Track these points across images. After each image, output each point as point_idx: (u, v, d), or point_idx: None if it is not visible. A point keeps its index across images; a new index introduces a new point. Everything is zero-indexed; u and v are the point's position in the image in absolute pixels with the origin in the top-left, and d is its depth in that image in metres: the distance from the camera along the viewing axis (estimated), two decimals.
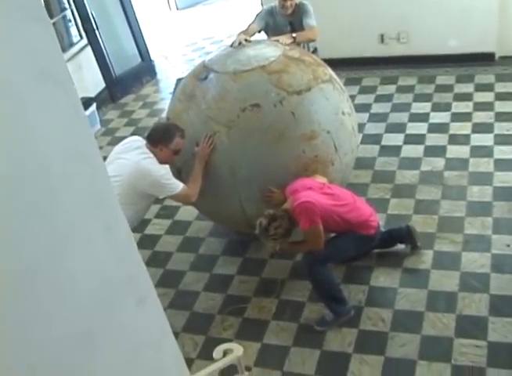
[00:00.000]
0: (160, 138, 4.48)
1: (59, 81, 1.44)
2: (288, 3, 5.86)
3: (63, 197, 1.43)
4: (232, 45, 5.10)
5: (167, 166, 4.69)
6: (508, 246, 4.91)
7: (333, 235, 4.59)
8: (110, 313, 1.63)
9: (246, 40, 5.13)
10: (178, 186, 4.47)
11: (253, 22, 6.04)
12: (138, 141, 4.63)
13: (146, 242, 5.71)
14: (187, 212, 5.91)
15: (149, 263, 5.39)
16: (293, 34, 5.55)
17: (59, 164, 1.41)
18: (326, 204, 4.32)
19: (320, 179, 4.61)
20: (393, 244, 5.02)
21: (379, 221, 4.73)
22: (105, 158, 7.15)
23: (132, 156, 4.46)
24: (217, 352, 3.08)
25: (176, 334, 4.62)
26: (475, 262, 4.82)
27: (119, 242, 1.67)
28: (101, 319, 1.58)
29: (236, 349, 3.05)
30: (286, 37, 5.37)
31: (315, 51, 6.30)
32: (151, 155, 4.43)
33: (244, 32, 5.73)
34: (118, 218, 1.68)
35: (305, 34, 5.78)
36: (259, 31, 6.10)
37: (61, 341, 1.45)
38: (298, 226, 4.33)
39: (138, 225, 5.83)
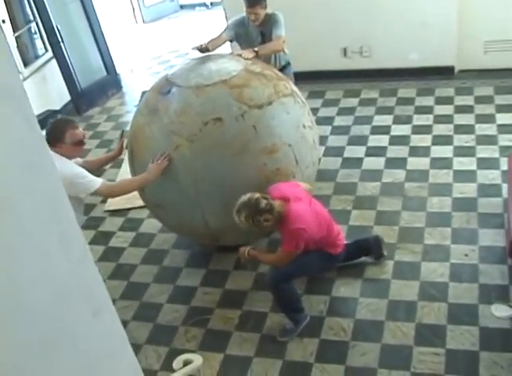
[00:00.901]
0: (53, 137, 4.37)
1: (14, 96, 1.49)
2: (252, 16, 5.95)
3: (18, 206, 1.47)
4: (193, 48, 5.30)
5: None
6: (466, 255, 5.02)
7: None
8: (66, 323, 1.66)
9: (207, 49, 5.29)
10: (97, 181, 4.39)
11: (223, 31, 6.17)
12: None
13: (111, 254, 5.72)
14: (151, 225, 5.94)
15: (113, 276, 5.43)
16: (255, 48, 5.60)
17: (14, 175, 1.46)
18: (314, 230, 4.34)
19: (304, 185, 4.69)
20: (359, 255, 5.09)
21: (344, 240, 4.79)
22: None
23: None
24: (177, 362, 3.11)
25: (139, 346, 4.65)
26: (434, 271, 4.93)
27: (73, 251, 1.71)
28: (56, 328, 1.61)
29: (196, 359, 3.09)
30: (248, 51, 5.44)
31: (286, 65, 6.35)
32: (58, 156, 4.28)
33: (214, 40, 5.93)
34: (73, 228, 1.72)
35: (268, 46, 5.87)
36: (230, 41, 6.27)
37: (15, 350, 1.48)
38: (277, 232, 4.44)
39: (103, 238, 5.88)
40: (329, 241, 4.55)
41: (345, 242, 4.77)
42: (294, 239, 4.26)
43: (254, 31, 6.09)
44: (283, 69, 6.18)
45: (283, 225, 4.28)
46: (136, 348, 4.58)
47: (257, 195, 4.15)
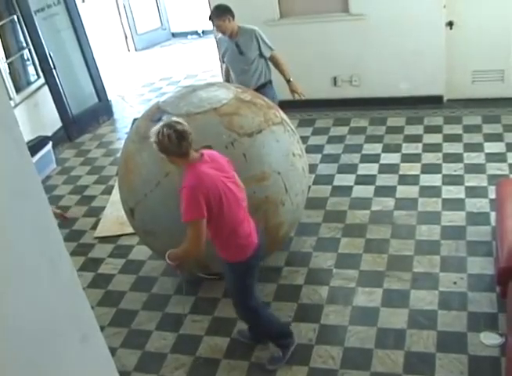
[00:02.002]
0: None
1: (6, 126, 1.51)
2: (217, 28, 6.38)
3: (8, 231, 1.49)
4: None
5: None
6: (455, 283, 5.04)
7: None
8: (53, 348, 1.66)
9: None
10: None
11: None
12: None
13: (100, 281, 5.70)
14: (141, 252, 5.93)
15: (102, 302, 5.41)
16: (290, 79, 6.43)
17: (4, 201, 1.48)
18: (216, 197, 3.87)
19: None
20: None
21: (256, 238, 4.22)
22: (59, 197, 7.19)
23: None
24: None
25: (128, 374, 4.63)
26: (423, 299, 4.93)
27: (62, 277, 1.72)
28: (43, 353, 1.61)
29: None
30: (295, 86, 6.47)
31: (267, 83, 6.55)
32: None
33: (226, 72, 6.68)
34: (61, 254, 1.73)
35: (284, 67, 6.47)
36: None
37: (1, 374, 1.49)
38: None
39: (92, 265, 5.86)
40: (236, 234, 4.06)
41: (258, 242, 4.19)
42: (189, 201, 3.82)
43: (230, 44, 6.39)
44: (262, 87, 6.40)
45: (185, 174, 3.94)
46: (125, 375, 4.56)
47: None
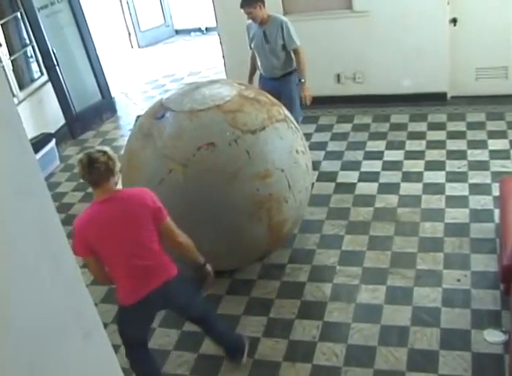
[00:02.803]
0: None
1: (9, 123, 1.51)
2: (247, 15, 6.37)
3: (10, 228, 1.49)
4: None
5: None
6: (458, 281, 5.03)
7: None
8: (56, 345, 1.66)
9: None
10: None
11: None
12: None
13: None
14: None
15: (105, 299, 5.40)
16: (302, 80, 6.44)
17: (7, 198, 1.48)
18: (92, 239, 3.77)
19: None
20: (221, 342, 4.61)
21: (145, 296, 3.93)
22: (63, 194, 7.20)
23: None
24: None
25: (131, 371, 4.61)
26: (427, 296, 4.93)
27: (65, 274, 1.72)
28: (46, 350, 1.61)
29: None
30: (305, 90, 6.47)
31: (293, 71, 6.60)
32: None
33: (253, 59, 6.74)
34: (64, 251, 1.73)
35: (302, 67, 6.48)
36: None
37: (3, 373, 1.48)
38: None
39: None
40: (127, 281, 3.92)
41: (157, 290, 3.93)
42: (75, 239, 3.77)
43: (258, 31, 6.44)
44: (285, 76, 6.51)
45: None
46: (128, 372, 4.55)
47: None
